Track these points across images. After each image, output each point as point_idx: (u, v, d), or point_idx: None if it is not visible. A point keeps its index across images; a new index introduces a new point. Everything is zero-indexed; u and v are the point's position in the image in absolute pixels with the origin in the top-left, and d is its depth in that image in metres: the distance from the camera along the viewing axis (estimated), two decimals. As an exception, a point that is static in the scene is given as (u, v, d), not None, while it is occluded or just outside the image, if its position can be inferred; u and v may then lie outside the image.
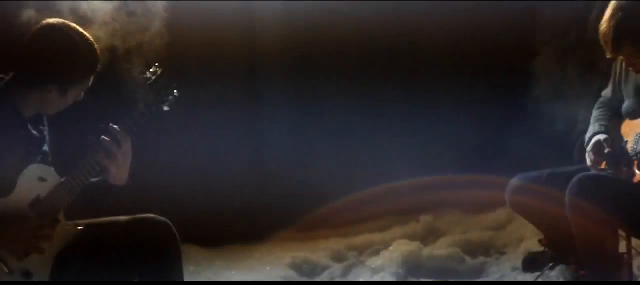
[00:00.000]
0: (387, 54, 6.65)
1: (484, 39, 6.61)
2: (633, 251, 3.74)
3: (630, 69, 3.43)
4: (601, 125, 3.70)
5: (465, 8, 6.55)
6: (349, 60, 6.71)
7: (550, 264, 3.89)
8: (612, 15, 3.29)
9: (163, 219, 3.16)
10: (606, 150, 3.54)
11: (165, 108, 3.11)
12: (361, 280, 5.24)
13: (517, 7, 6.50)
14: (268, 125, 6.78)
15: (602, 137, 3.61)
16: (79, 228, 3.04)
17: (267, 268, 5.53)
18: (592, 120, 3.79)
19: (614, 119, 3.71)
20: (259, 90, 6.76)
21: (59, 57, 2.96)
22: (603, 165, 3.60)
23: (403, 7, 6.47)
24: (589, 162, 3.62)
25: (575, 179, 3.30)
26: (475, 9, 6.51)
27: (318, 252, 5.78)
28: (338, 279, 5.34)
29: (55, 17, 3.14)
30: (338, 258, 5.69)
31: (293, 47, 6.66)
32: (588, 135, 3.72)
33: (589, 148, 3.62)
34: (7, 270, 2.82)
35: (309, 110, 6.75)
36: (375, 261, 5.45)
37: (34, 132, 3.06)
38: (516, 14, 6.58)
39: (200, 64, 6.29)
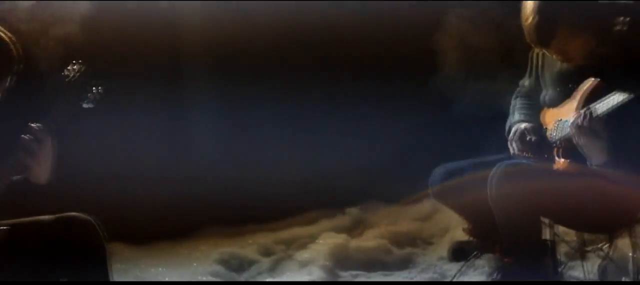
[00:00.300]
0: (309, 51, 6.64)
1: (404, 35, 6.65)
2: (557, 238, 3.80)
3: (560, 58, 3.46)
4: (522, 113, 3.75)
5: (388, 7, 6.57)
6: (273, 56, 6.68)
7: (476, 253, 3.94)
8: (536, 8, 3.29)
9: (87, 217, 3.12)
10: (529, 138, 3.59)
11: (86, 105, 3.06)
12: (288, 275, 5.24)
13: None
14: (192, 121, 6.72)
15: (525, 125, 3.65)
16: (2, 228, 2.99)
17: (194, 264, 5.49)
18: (511, 110, 3.83)
19: (534, 107, 3.76)
20: (182, 85, 6.70)
21: None
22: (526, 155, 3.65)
23: (323, 5, 6.48)
24: (512, 151, 3.66)
25: (497, 168, 3.33)
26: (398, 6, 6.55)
27: (245, 247, 5.75)
28: (265, 273, 5.33)
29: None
30: (265, 252, 5.67)
31: (216, 42, 6.62)
32: (509, 124, 3.77)
33: (511, 137, 3.66)
34: None
35: (233, 106, 6.72)
36: (303, 254, 5.45)
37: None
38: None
39: (122, 61, 6.22)
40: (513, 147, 3.66)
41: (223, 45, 6.58)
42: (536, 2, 3.29)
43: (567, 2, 3.27)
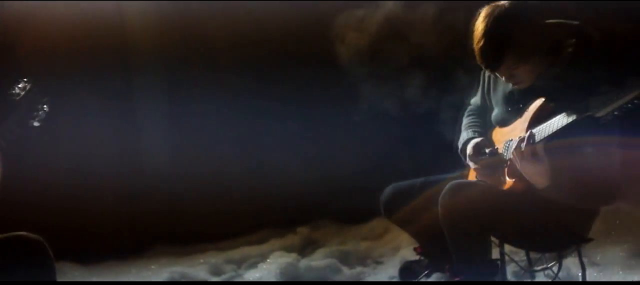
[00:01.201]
0: (261, 49, 6.63)
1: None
2: (505, 257, 3.83)
3: (509, 81, 3.48)
4: (474, 131, 3.77)
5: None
6: (223, 54, 6.67)
7: (426, 272, 3.94)
8: (486, 32, 3.29)
9: (35, 236, 3.08)
10: (484, 151, 3.61)
11: (35, 123, 3.03)
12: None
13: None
14: (142, 136, 6.68)
15: (479, 140, 3.68)
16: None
17: (144, 283, 5.46)
18: (463, 128, 3.85)
19: (484, 126, 3.79)
20: (132, 98, 6.66)
21: None
22: (472, 174, 3.68)
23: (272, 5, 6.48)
24: (473, 166, 3.67)
25: (447, 187, 3.34)
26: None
27: (196, 266, 5.74)
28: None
29: None
30: (216, 271, 5.66)
31: (165, 41, 6.59)
32: (461, 141, 3.79)
33: (469, 153, 3.68)
34: None
35: (184, 120, 6.69)
36: (253, 274, 5.44)
37: None
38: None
39: (70, 63, 6.19)
40: (470, 162, 3.67)
41: (172, 50, 6.56)
42: (486, 25, 3.31)
43: (518, 27, 3.28)
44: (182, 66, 6.61)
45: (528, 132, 3.22)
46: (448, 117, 4.25)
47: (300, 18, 6.36)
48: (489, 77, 3.71)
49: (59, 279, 3.16)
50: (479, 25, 3.33)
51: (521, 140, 3.22)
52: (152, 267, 5.80)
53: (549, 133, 3.12)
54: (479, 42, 3.32)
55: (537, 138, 3.18)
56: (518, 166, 3.24)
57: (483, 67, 3.43)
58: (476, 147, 3.64)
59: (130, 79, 6.65)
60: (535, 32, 3.30)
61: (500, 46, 3.28)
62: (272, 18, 6.41)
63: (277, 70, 6.58)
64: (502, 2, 3.33)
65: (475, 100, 3.90)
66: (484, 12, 3.34)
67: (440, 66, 6.18)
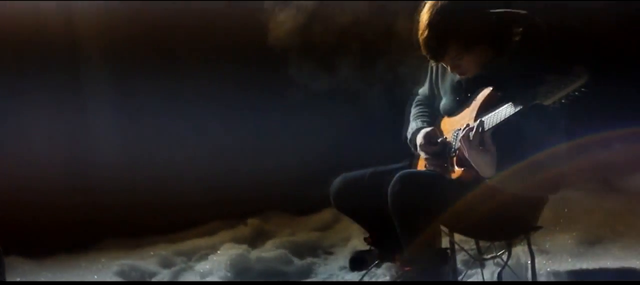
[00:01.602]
0: (212, 49, 6.60)
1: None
2: (456, 246, 3.84)
3: (454, 71, 3.49)
4: (423, 121, 3.77)
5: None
6: (173, 53, 6.63)
7: (376, 262, 3.94)
8: (429, 23, 3.29)
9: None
10: (435, 141, 3.61)
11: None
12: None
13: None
14: (91, 129, 6.62)
15: (429, 129, 3.68)
16: None
17: (95, 276, 5.43)
18: (411, 117, 3.84)
19: (432, 115, 3.79)
20: (81, 91, 6.60)
21: None
22: (422, 164, 3.68)
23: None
24: (424, 156, 3.67)
25: (396, 177, 3.33)
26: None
27: (146, 259, 5.71)
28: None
29: None
30: (166, 264, 5.64)
31: (112, 35, 6.53)
32: (410, 131, 3.78)
33: (419, 142, 3.67)
34: None
35: (132, 112, 6.64)
36: (204, 265, 5.43)
37: None
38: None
39: (18, 58, 6.13)
40: (422, 152, 3.67)
41: (120, 43, 6.51)
42: (430, 16, 3.30)
43: (462, 17, 3.28)
44: (130, 59, 6.55)
45: (477, 121, 3.23)
46: (395, 107, 4.23)
47: (239, 13, 6.37)
48: (437, 66, 3.71)
49: (9, 273, 3.13)
50: (423, 15, 3.34)
51: (470, 129, 3.22)
52: (102, 260, 5.76)
53: (497, 122, 3.13)
54: (423, 32, 3.33)
55: (486, 126, 3.18)
56: (466, 155, 3.24)
57: (428, 58, 3.43)
58: (427, 136, 3.63)
59: (78, 72, 6.59)
60: (479, 22, 3.31)
61: (444, 37, 3.29)
62: (212, 11, 6.39)
63: (224, 61, 6.55)
64: None
65: (423, 90, 3.90)
66: (428, 3, 3.34)
67: (383, 55, 6.20)
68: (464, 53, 3.33)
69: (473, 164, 3.25)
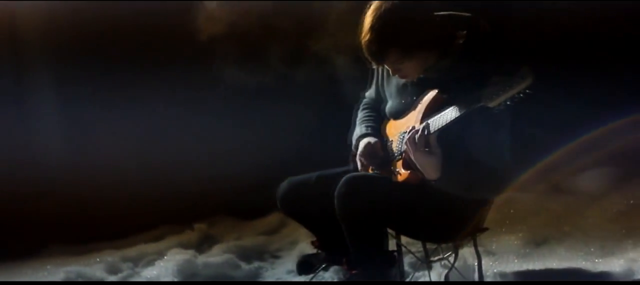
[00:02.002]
0: (157, 46, 6.55)
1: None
2: (402, 248, 3.84)
3: (396, 74, 3.49)
4: (367, 126, 3.77)
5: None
6: (112, 49, 6.58)
7: (324, 265, 3.94)
8: (372, 26, 3.29)
9: None
10: (375, 153, 3.61)
11: None
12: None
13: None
14: (33, 132, 6.56)
15: (371, 139, 3.67)
16: None
17: (40, 284, 5.35)
18: (357, 122, 3.85)
19: (377, 119, 3.79)
20: (23, 93, 6.52)
21: None
22: (370, 169, 3.67)
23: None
24: (359, 166, 3.67)
25: (342, 180, 3.33)
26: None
27: (92, 265, 5.64)
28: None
29: None
30: (113, 270, 5.57)
31: (54, 37, 6.47)
32: (354, 137, 3.78)
33: (359, 151, 3.67)
34: None
35: (75, 116, 6.58)
36: (151, 271, 5.38)
37: None
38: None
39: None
40: (359, 162, 3.67)
41: (63, 45, 6.45)
42: (372, 20, 3.30)
43: (403, 23, 3.28)
44: (74, 62, 6.48)
45: (422, 123, 3.23)
46: (341, 110, 4.23)
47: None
48: (382, 69, 3.71)
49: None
50: (366, 18, 3.34)
51: (415, 131, 3.22)
52: (48, 267, 5.69)
53: (442, 124, 3.13)
54: (364, 35, 3.33)
55: (431, 129, 3.18)
56: (411, 157, 3.24)
57: (369, 60, 3.42)
58: (367, 147, 3.64)
59: (21, 77, 6.51)
60: (421, 29, 3.31)
61: (384, 42, 3.29)
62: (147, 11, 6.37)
63: (165, 63, 6.51)
64: None
65: (370, 93, 3.91)
66: (373, 6, 3.34)
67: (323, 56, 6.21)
68: (404, 58, 3.34)
69: (418, 167, 3.25)
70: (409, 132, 3.26)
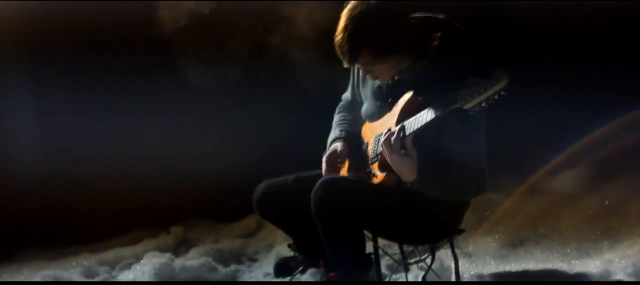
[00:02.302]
0: (128, 46, 6.54)
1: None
2: (380, 251, 3.84)
3: (369, 76, 3.50)
4: (341, 130, 3.77)
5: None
6: (90, 51, 6.56)
7: (301, 268, 3.93)
8: (345, 26, 3.28)
9: None
10: (336, 163, 3.62)
11: None
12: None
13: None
14: (10, 137, 6.52)
15: (338, 145, 3.68)
16: None
17: (17, 287, 5.33)
18: (333, 125, 3.85)
19: (354, 122, 3.79)
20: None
21: None
22: (344, 169, 3.67)
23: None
24: (323, 169, 3.67)
25: (319, 182, 3.33)
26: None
27: (69, 269, 5.61)
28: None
29: None
30: (89, 274, 5.54)
31: (28, 38, 6.44)
32: (329, 140, 3.78)
33: (325, 155, 3.68)
34: None
35: (50, 117, 6.55)
36: (127, 275, 5.35)
37: None
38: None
39: None
40: (326, 165, 3.67)
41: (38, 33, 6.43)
42: (346, 20, 3.30)
43: (376, 26, 3.28)
44: (47, 62, 6.45)
45: (398, 125, 3.23)
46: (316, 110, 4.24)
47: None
48: (358, 72, 3.72)
49: None
50: (342, 19, 3.33)
51: (391, 133, 3.22)
52: (24, 271, 5.67)
53: (418, 126, 3.13)
54: (337, 35, 3.33)
55: (407, 131, 3.18)
56: (387, 159, 3.24)
57: (341, 60, 3.41)
58: (333, 153, 3.65)
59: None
60: (394, 32, 3.30)
61: (356, 42, 3.29)
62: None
63: (135, 65, 6.50)
64: None
65: (346, 95, 3.91)
66: (349, 5, 3.34)
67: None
68: (376, 60, 3.34)
69: (394, 169, 3.25)
70: (384, 134, 3.26)
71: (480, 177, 3.29)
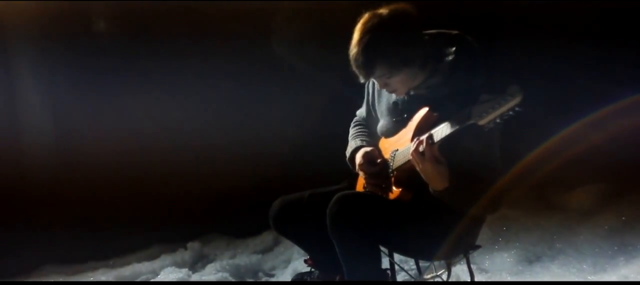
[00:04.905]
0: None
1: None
2: (396, 266, 3.84)
3: (384, 89, 3.50)
4: (362, 140, 3.77)
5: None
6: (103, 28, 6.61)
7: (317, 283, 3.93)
8: (360, 40, 3.29)
9: None
10: (375, 160, 3.61)
11: None
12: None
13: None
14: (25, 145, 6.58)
15: (367, 148, 3.67)
16: None
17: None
18: (350, 137, 3.84)
19: (372, 136, 3.79)
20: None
21: None
22: (360, 185, 3.68)
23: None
24: (363, 176, 3.66)
25: (334, 198, 3.33)
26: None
27: (87, 285, 5.66)
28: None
29: None
30: (107, 290, 5.59)
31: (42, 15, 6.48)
32: (348, 151, 3.78)
33: (358, 162, 3.67)
34: None
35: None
36: (145, 291, 5.39)
37: None
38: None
39: None
40: (361, 172, 3.66)
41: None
42: (361, 34, 3.30)
43: (391, 39, 3.28)
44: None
45: (426, 135, 3.21)
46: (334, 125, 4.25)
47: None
48: (373, 88, 3.73)
49: None
50: (356, 32, 3.33)
51: (420, 142, 3.20)
52: (42, 287, 5.70)
53: (443, 135, 3.12)
54: (352, 49, 3.33)
55: (435, 139, 3.17)
56: (418, 168, 3.22)
57: (357, 73, 3.42)
58: (366, 156, 3.64)
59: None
60: (408, 47, 3.31)
61: (371, 57, 3.29)
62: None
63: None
64: (383, 10, 3.34)
65: (361, 111, 3.91)
66: (363, 19, 3.34)
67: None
68: (391, 74, 3.34)
69: (426, 177, 3.23)
70: (414, 144, 3.24)
71: (498, 192, 3.29)
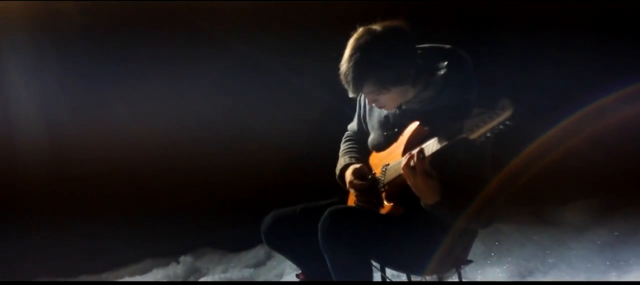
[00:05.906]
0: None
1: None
2: (387, 280, 3.84)
3: (373, 104, 3.50)
4: (351, 157, 3.77)
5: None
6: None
7: (309, 298, 3.93)
8: (350, 56, 3.29)
9: None
10: (365, 175, 3.61)
11: None
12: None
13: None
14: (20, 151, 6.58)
15: (356, 165, 3.67)
16: None
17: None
18: (340, 154, 3.85)
19: (362, 151, 3.79)
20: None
21: None
22: (351, 200, 3.67)
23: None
24: (354, 192, 3.66)
25: (326, 213, 3.32)
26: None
27: (79, 298, 5.64)
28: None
29: None
30: (99, 303, 5.58)
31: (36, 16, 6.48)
32: (338, 168, 3.78)
33: (347, 179, 3.67)
34: None
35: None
36: (137, 304, 5.38)
37: None
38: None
39: None
40: (351, 188, 3.66)
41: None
42: (351, 50, 3.30)
43: (381, 57, 3.27)
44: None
45: (418, 149, 3.21)
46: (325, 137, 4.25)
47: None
48: (365, 101, 3.73)
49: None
50: (348, 48, 3.33)
51: (411, 157, 3.20)
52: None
53: (435, 149, 3.12)
54: (343, 64, 3.33)
55: (426, 153, 3.17)
56: (410, 182, 3.22)
57: (349, 92, 3.42)
58: (356, 172, 3.64)
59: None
60: (400, 65, 3.31)
61: (361, 73, 3.28)
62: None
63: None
64: (376, 26, 3.34)
65: (352, 125, 3.92)
66: (356, 35, 3.34)
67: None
68: (381, 91, 3.34)
69: (417, 191, 3.23)
70: (405, 158, 3.24)
71: (490, 206, 3.29)
